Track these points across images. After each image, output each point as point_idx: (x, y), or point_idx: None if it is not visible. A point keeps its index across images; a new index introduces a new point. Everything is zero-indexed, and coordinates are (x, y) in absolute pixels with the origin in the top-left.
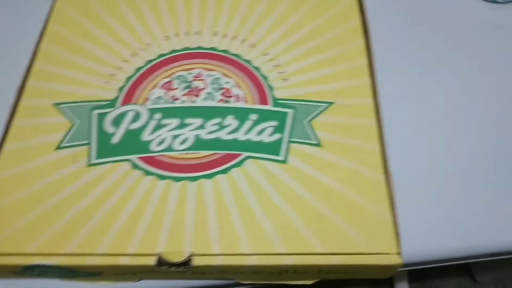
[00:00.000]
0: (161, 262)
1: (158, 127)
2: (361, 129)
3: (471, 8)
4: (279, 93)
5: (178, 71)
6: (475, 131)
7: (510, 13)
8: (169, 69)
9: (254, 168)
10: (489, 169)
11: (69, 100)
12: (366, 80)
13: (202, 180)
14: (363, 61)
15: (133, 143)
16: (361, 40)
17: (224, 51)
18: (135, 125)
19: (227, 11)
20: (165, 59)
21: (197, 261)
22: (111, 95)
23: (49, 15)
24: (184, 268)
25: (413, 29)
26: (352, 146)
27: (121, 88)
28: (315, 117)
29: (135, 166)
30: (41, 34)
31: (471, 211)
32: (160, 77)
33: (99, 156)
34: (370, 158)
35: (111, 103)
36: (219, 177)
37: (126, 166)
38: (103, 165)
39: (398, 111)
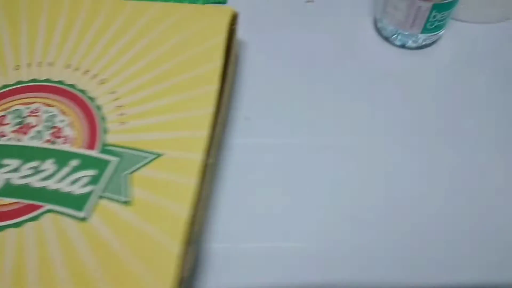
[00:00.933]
0: None
1: None
2: (179, 189)
3: (376, 53)
4: (111, 138)
5: (16, 104)
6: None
7: (419, 59)
8: (8, 102)
9: (50, 224)
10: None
11: None
12: (204, 133)
13: None
14: (209, 110)
15: None
16: (214, 87)
17: (72, 85)
18: None
19: (86, 45)
20: (7, 90)
21: None
22: None
23: None
24: None
25: (294, 78)
26: (162, 209)
27: None
28: (137, 169)
29: None
30: None
31: None
32: None
33: None
34: (174, 226)
35: None
36: (9, 231)
37: None
38: None
39: (241, 172)
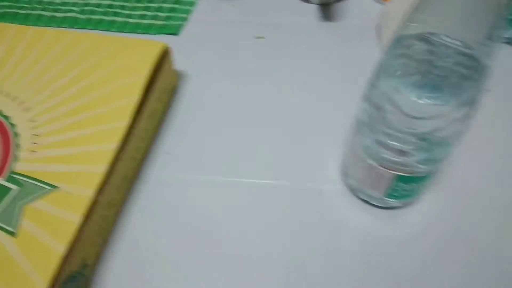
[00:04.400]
0: None
1: None
2: (62, 225)
3: None
4: (19, 166)
5: None
6: None
7: (381, 219)
8: None
9: None
10: None
11: None
12: (102, 168)
13: None
14: (113, 145)
15: None
16: (124, 123)
17: None
18: None
19: (20, 72)
20: None
21: None
22: None
23: None
24: None
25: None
26: (41, 244)
27: None
28: (32, 200)
29: None
30: None
31: None
32: None
33: None
34: (46, 263)
35: None
36: None
37: None
38: None
39: (152, 208)
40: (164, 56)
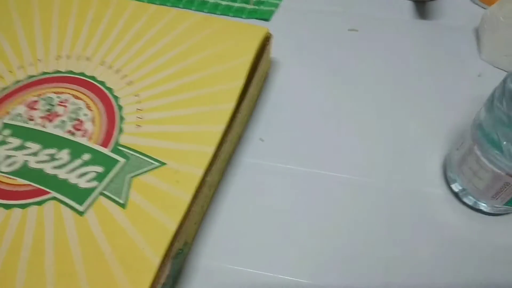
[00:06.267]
0: None
1: (0, 143)
2: (172, 201)
3: None
4: (124, 138)
5: (50, 92)
6: None
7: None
8: (44, 89)
9: (51, 211)
10: None
11: None
12: (211, 149)
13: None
14: (221, 127)
15: None
16: (231, 105)
17: (102, 82)
18: None
19: (123, 45)
20: (46, 78)
21: None
22: None
23: None
24: None
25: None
26: (152, 218)
27: None
28: (140, 174)
29: None
30: None
31: None
32: (31, 94)
33: None
34: (159, 238)
35: None
36: (15, 210)
37: None
38: None
39: (244, 192)
40: (264, 42)
